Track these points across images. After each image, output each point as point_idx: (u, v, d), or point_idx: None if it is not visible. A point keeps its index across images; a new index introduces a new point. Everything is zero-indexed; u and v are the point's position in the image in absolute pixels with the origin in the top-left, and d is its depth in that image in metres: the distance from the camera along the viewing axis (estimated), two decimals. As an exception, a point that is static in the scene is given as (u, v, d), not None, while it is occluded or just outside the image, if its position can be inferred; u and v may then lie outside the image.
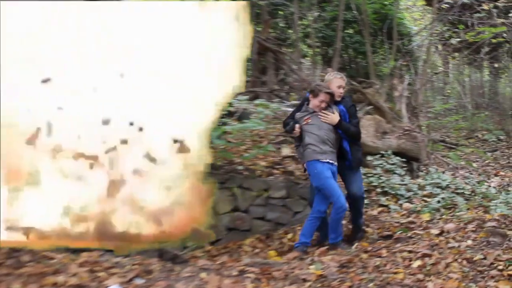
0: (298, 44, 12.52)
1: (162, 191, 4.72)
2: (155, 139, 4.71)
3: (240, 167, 6.57)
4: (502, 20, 10.16)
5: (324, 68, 12.74)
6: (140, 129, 4.69)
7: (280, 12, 13.32)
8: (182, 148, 4.76)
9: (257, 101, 7.62)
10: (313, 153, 5.14)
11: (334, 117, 5.18)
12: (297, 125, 5.22)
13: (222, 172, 6.38)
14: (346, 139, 5.30)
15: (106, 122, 4.59)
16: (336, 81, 5.34)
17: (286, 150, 7.22)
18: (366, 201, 6.54)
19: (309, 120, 5.24)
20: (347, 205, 5.11)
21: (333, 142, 5.20)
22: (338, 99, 5.34)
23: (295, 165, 6.87)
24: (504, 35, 13.96)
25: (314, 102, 5.24)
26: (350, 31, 13.81)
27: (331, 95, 5.23)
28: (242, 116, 7.69)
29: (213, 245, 6.07)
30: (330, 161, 5.13)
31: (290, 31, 13.97)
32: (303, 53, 14.21)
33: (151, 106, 4.70)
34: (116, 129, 4.63)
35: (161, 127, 4.72)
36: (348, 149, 5.29)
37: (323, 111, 5.21)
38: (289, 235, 6.04)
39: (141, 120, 4.68)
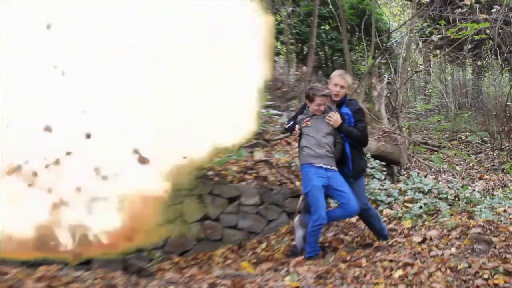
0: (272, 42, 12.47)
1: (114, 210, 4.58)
2: (109, 149, 4.54)
3: (210, 173, 6.48)
4: (485, 16, 10.25)
5: (298, 67, 12.74)
6: (88, 136, 4.50)
7: (252, 8, 13.27)
8: (142, 159, 4.64)
9: (228, 102, 7.52)
10: (306, 156, 5.09)
11: (336, 119, 5.09)
12: (297, 126, 5.19)
13: (192, 178, 6.27)
14: (349, 144, 5.19)
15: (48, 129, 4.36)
16: (334, 79, 5.21)
17: (259, 154, 7.15)
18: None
19: (309, 123, 5.18)
20: (325, 221, 5.03)
21: (331, 146, 5.12)
22: (335, 98, 5.20)
23: (268, 170, 6.81)
24: (487, 31, 14.13)
25: (312, 107, 5.16)
26: (326, 27, 13.86)
27: (328, 96, 5.12)
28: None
29: (182, 256, 5.98)
30: (325, 166, 5.03)
31: (262, 28, 13.92)
32: (277, 51, 14.14)
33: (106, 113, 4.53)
34: (60, 139, 4.41)
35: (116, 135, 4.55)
36: (350, 155, 5.19)
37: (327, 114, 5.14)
38: (263, 245, 5.98)
39: (92, 128, 4.50)
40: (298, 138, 5.29)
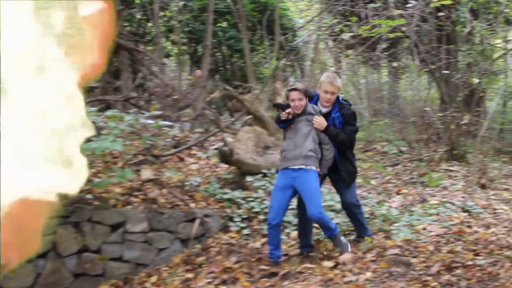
0: (160, 41, 12.51)
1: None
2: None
3: (89, 196, 6.42)
4: (400, 12, 10.74)
5: (192, 70, 12.83)
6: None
7: (136, 1, 13.25)
8: None
9: (108, 112, 7.50)
10: (282, 161, 6.00)
11: (320, 121, 5.90)
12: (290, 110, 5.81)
13: (66, 204, 6.20)
14: (336, 148, 6.06)
15: None
16: (324, 86, 6.01)
17: (147, 173, 7.18)
18: (246, 231, 6.71)
19: (292, 126, 5.96)
20: (274, 222, 5.82)
21: (312, 146, 5.88)
22: (326, 104, 6.05)
23: (158, 190, 6.87)
24: (403, 28, 14.89)
25: (291, 103, 5.87)
26: (224, 24, 14.05)
27: (297, 90, 5.89)
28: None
29: (56, 297, 5.88)
30: (294, 166, 5.82)
31: (149, 24, 13.95)
32: (166, 52, 14.20)
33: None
34: None
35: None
36: (337, 160, 6.08)
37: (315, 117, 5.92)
38: (153, 278, 6.01)
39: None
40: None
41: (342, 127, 6.04)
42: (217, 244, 6.55)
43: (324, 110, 6.07)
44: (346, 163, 6.15)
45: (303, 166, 5.78)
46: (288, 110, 5.79)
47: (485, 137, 13.86)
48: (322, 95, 6.02)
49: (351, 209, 6.29)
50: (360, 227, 6.44)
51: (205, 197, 7.25)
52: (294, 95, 5.87)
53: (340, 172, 6.09)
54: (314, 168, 5.83)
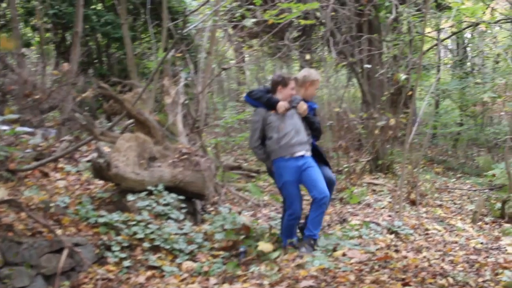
0: (17, 26, 12.19)
1: None
2: None
3: None
4: (305, -6, 10.92)
5: (59, 63, 12.56)
6: None
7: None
8: None
9: None
10: (282, 149, 7.62)
11: (306, 107, 7.72)
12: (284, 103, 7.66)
13: None
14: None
15: None
16: (316, 83, 8.15)
17: (1, 193, 6.95)
18: (128, 262, 6.64)
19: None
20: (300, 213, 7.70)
21: (307, 132, 7.80)
22: (312, 99, 8.14)
23: (15, 214, 6.67)
24: (317, 14, 15.17)
25: (286, 92, 7.74)
26: (98, 6, 13.90)
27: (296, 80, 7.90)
28: None
29: None
30: (301, 154, 7.60)
31: (3, 5, 13.60)
32: (26, 40, 13.88)
33: None
34: None
35: None
36: (314, 144, 7.97)
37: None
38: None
39: None
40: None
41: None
42: (91, 279, 6.41)
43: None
44: (319, 146, 8.10)
45: (305, 153, 7.58)
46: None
47: (414, 144, 14.31)
48: (313, 92, 8.16)
49: (333, 186, 8.03)
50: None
51: (75, 221, 7.10)
52: (292, 84, 7.75)
53: (320, 155, 7.92)
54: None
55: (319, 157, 7.89)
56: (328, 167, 8.09)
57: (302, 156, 7.52)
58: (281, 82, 7.72)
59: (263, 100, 7.70)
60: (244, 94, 8.34)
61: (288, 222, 7.59)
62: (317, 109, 8.19)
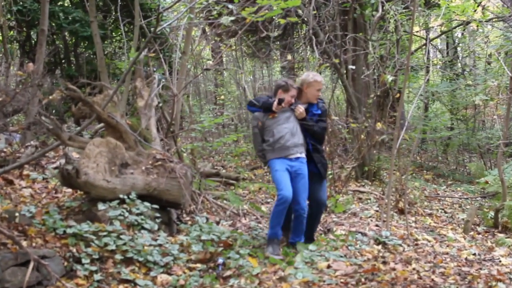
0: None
1: None
2: None
3: None
4: (295, -11, 10.96)
5: (23, 63, 12.50)
6: None
7: None
8: None
9: None
10: (276, 151, 8.26)
11: (303, 110, 8.21)
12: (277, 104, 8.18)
13: None
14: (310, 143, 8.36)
15: None
16: (318, 85, 8.34)
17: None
18: (99, 276, 6.61)
19: (276, 115, 8.25)
20: (290, 198, 7.98)
21: (302, 135, 8.35)
22: (315, 101, 8.42)
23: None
24: (299, 11, 15.20)
25: (286, 98, 8.20)
26: (66, 3, 13.84)
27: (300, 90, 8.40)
28: None
29: None
30: (295, 156, 8.20)
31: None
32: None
33: None
34: None
35: None
36: (312, 153, 8.36)
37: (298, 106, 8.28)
38: None
39: None
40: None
41: (316, 121, 8.29)
42: (60, 294, 6.38)
43: (304, 106, 8.32)
44: (320, 156, 8.40)
45: (300, 155, 8.14)
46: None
47: (402, 149, 14.37)
48: (314, 93, 8.37)
49: (320, 208, 8.45)
50: (314, 229, 8.64)
51: (42, 232, 7.05)
52: (294, 92, 8.30)
53: (315, 166, 8.28)
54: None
55: (318, 175, 8.34)
56: (324, 184, 8.57)
57: (297, 158, 8.14)
58: (283, 86, 8.33)
59: (260, 104, 8.32)
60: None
61: (276, 207, 7.97)
62: (325, 109, 8.58)
